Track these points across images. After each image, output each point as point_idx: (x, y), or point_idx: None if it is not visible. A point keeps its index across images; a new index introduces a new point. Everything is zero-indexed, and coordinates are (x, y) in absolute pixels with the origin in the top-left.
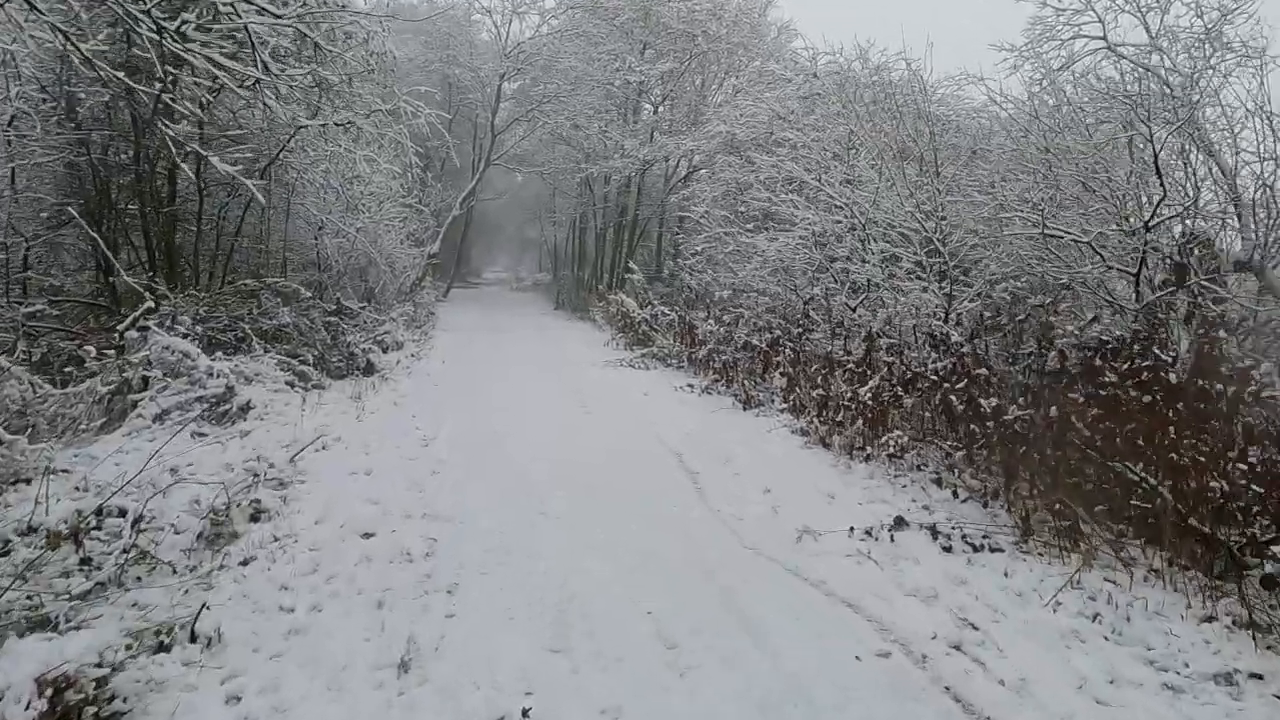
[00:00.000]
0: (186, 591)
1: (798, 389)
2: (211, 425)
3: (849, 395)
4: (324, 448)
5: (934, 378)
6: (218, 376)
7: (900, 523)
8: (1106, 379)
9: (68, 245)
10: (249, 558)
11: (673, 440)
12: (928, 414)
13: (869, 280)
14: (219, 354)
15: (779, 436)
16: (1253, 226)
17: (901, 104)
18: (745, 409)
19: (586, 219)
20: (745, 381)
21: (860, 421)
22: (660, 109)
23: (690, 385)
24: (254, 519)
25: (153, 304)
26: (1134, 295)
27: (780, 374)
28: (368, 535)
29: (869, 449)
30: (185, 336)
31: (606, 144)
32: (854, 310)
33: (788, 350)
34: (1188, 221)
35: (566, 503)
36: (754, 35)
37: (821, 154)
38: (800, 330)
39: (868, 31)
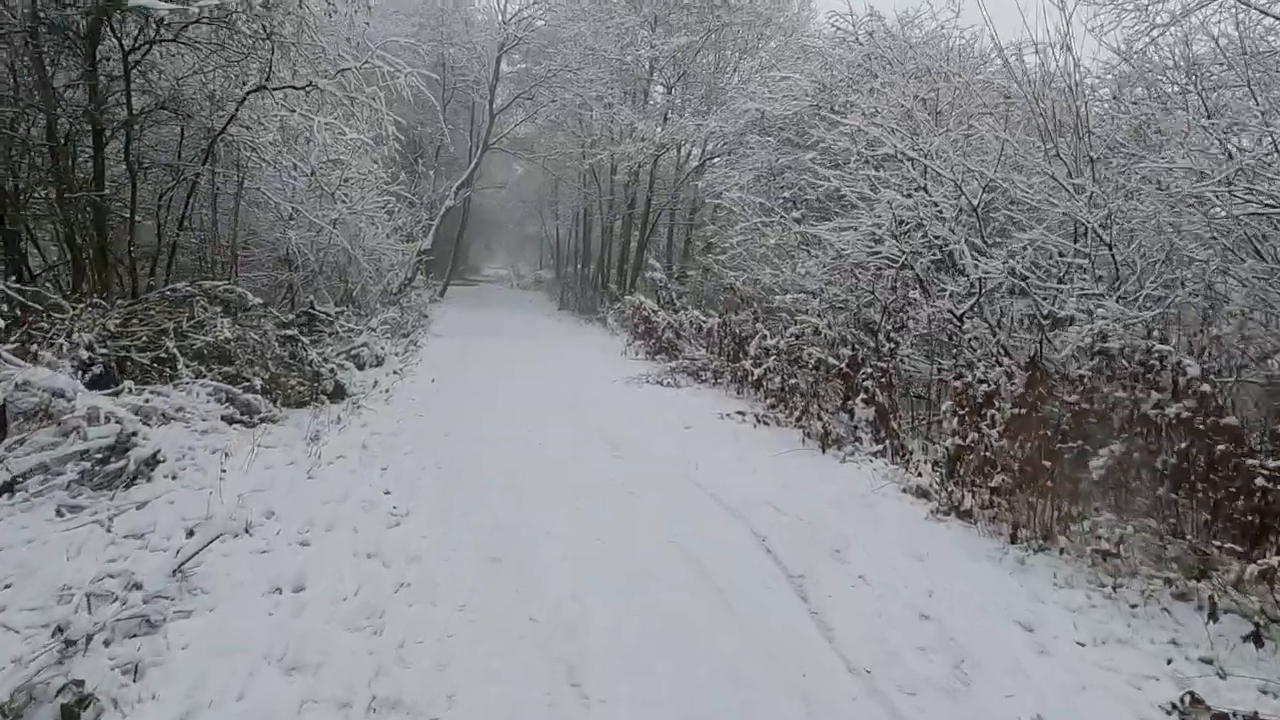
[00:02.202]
0: None
1: (893, 425)
2: (93, 492)
3: (1002, 443)
4: (246, 531)
5: (1160, 419)
6: (106, 421)
7: (1197, 706)
8: None
9: None
10: None
11: (747, 510)
12: (1139, 478)
13: (979, 282)
14: (128, 384)
15: (889, 500)
16: None
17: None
18: (823, 449)
19: (591, 212)
20: (819, 411)
21: (1030, 490)
22: (674, 89)
23: (740, 413)
24: None
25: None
26: None
27: (864, 402)
28: None
29: (1049, 529)
30: (84, 363)
31: (614, 128)
32: (960, 320)
33: (875, 371)
34: None
35: (621, 670)
36: (776, 6)
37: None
38: (892, 345)
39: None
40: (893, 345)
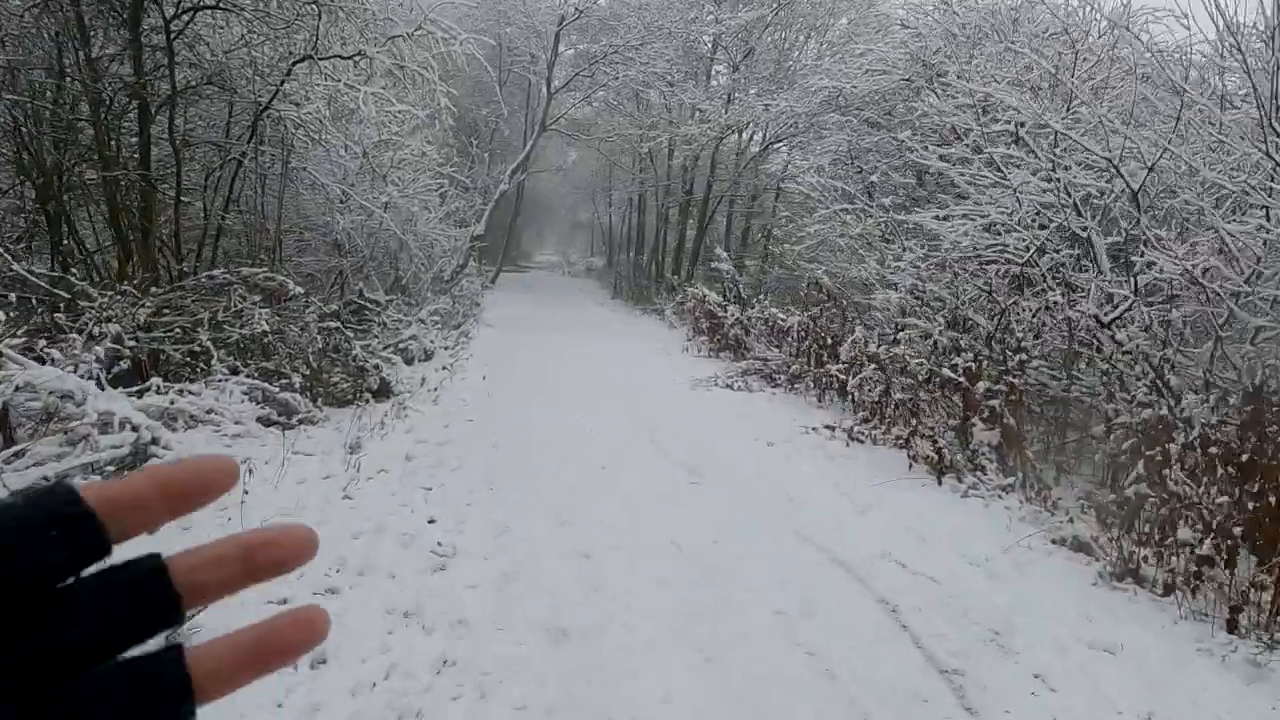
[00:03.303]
0: None
1: (1027, 453)
2: None
3: (1220, 497)
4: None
5: None
6: (120, 428)
7: None
8: None
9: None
10: None
11: (865, 567)
12: None
13: (1134, 281)
14: (156, 382)
15: (1039, 556)
16: None
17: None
18: (938, 479)
19: (646, 199)
20: (933, 432)
21: (1263, 561)
22: (740, 68)
23: (828, 428)
24: None
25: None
26: None
27: (985, 422)
28: None
29: None
30: (111, 358)
31: (674, 111)
32: (1108, 328)
33: (1002, 387)
34: None
35: None
36: None
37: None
38: (1022, 358)
39: None
40: (1023, 356)
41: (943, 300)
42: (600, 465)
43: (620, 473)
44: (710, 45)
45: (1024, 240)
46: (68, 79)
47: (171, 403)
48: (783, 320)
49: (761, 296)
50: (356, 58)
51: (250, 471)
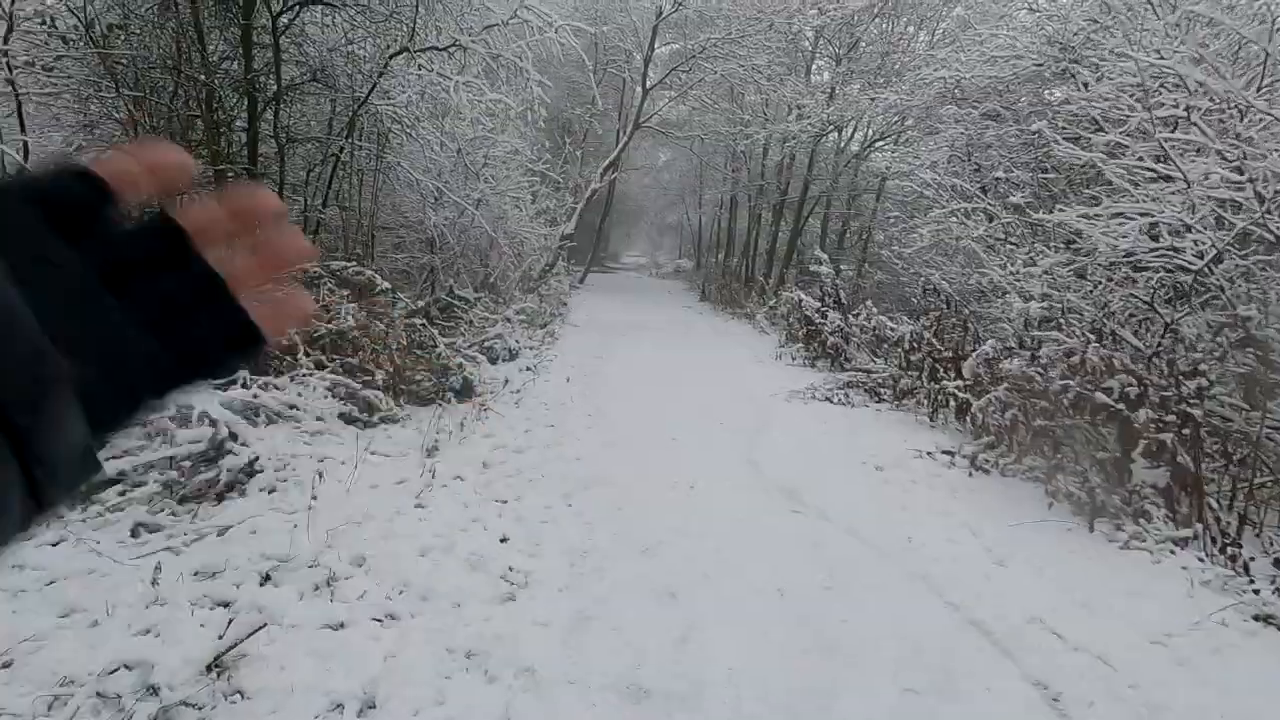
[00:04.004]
0: None
1: (1208, 501)
2: (178, 507)
3: None
4: (319, 589)
5: None
6: (199, 423)
7: None
8: None
9: None
10: None
11: (1013, 639)
12: None
13: None
14: (243, 375)
15: (1237, 635)
16: None
17: None
18: (1090, 523)
19: (737, 200)
20: (1084, 468)
21: None
22: (843, 62)
23: (947, 453)
24: None
25: None
26: None
27: (1147, 456)
28: None
29: None
30: None
31: (772, 107)
32: None
33: (1173, 417)
34: None
35: None
36: None
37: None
38: (1201, 384)
39: None
40: (1202, 382)
41: (1080, 313)
42: (689, 485)
43: (712, 495)
44: (812, 38)
45: (1203, 243)
46: (182, 75)
47: (255, 396)
48: (891, 329)
49: (865, 302)
50: (452, 49)
51: (320, 477)
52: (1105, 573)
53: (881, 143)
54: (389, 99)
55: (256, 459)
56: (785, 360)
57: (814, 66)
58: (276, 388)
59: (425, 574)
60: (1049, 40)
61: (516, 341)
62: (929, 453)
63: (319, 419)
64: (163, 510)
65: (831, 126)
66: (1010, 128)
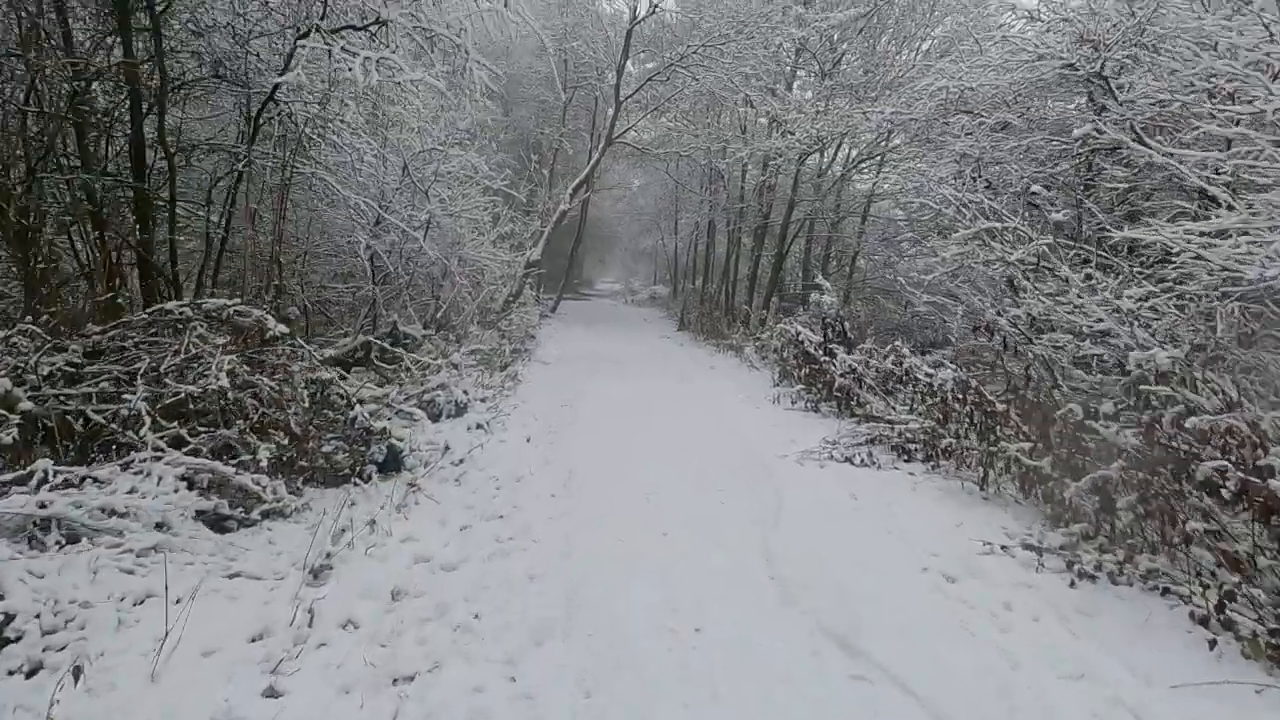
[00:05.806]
0: None
1: None
2: None
3: None
4: None
5: None
6: None
7: None
8: None
9: None
10: None
11: None
12: None
13: None
14: (44, 465)
15: None
16: None
17: None
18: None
19: (715, 225)
20: (1260, 584)
21: None
22: (829, 75)
23: (1031, 548)
24: None
25: None
26: None
27: (1207, 535)
28: None
29: None
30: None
31: (753, 124)
32: None
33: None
34: None
35: None
36: None
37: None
38: None
39: None
40: None
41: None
42: (694, 628)
43: (729, 642)
44: (793, 52)
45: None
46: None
47: (42, 505)
48: (929, 374)
49: (901, 346)
50: (373, 26)
51: (93, 659)
52: None
53: (866, 164)
54: (301, 96)
55: (13, 619)
56: (784, 403)
57: (795, 84)
58: (96, 482)
59: None
60: (1079, 38)
61: (465, 392)
62: (1002, 546)
63: (160, 525)
64: None
65: (818, 144)
66: (1037, 137)
